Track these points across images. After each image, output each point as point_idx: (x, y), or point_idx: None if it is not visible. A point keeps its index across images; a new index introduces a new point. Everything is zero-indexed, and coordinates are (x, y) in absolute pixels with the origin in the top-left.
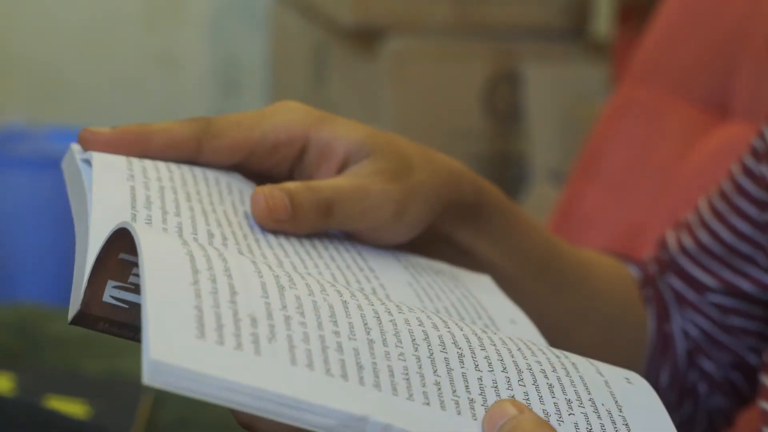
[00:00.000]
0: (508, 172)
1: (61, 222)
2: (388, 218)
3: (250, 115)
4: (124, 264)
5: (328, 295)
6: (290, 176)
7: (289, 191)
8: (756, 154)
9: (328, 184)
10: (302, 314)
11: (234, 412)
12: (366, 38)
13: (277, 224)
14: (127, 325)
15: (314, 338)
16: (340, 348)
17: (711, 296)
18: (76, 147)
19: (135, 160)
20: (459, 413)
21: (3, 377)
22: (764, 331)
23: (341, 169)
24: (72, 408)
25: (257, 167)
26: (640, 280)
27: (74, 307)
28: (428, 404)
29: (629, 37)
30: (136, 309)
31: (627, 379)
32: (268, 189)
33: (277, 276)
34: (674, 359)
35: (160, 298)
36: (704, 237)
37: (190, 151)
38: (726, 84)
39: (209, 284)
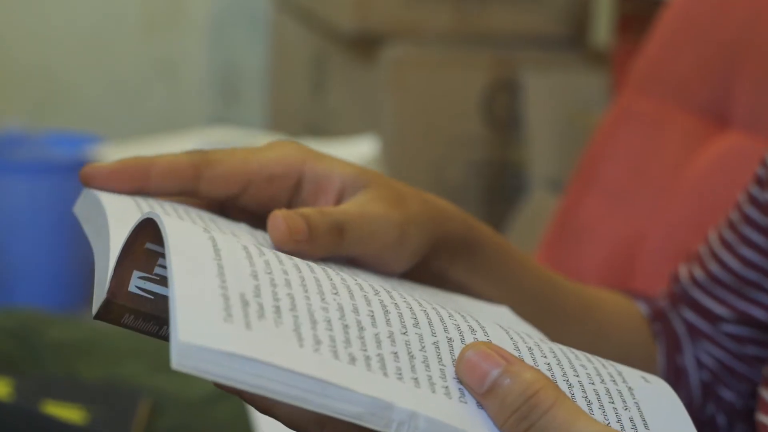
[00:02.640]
0: (507, 180)
1: (59, 227)
2: (392, 241)
3: (245, 148)
4: (150, 254)
5: (339, 288)
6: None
7: (304, 214)
8: (760, 182)
9: (337, 209)
10: (324, 301)
11: (253, 400)
12: (365, 45)
13: (296, 245)
14: (152, 317)
15: (337, 328)
16: (362, 338)
17: (725, 326)
18: (89, 191)
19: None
20: (479, 406)
21: (1, 383)
22: None
23: (338, 200)
24: (70, 414)
25: (254, 200)
26: (649, 316)
27: (99, 297)
28: (449, 397)
29: (629, 47)
30: (161, 300)
31: (644, 378)
32: (285, 212)
33: (297, 266)
34: (688, 392)
35: (188, 279)
36: (714, 267)
37: (189, 179)
38: (726, 94)
39: (232, 268)
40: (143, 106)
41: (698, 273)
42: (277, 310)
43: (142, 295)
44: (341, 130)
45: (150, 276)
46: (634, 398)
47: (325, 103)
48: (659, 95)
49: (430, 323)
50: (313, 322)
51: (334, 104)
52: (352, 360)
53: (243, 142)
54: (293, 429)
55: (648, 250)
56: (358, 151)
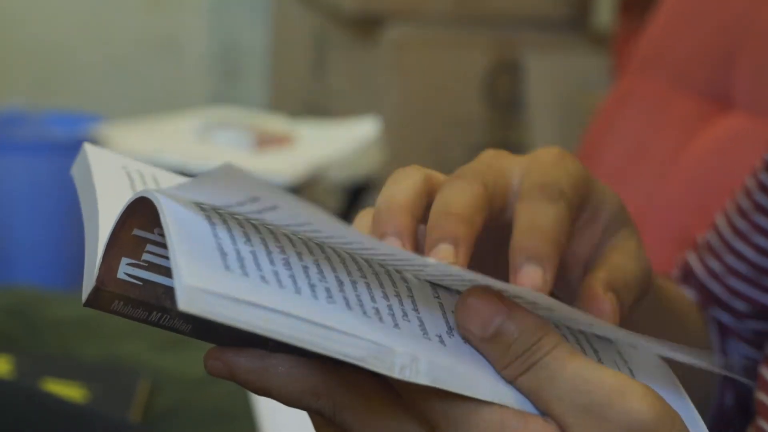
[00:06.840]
0: None
1: (59, 206)
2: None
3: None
4: (138, 240)
5: (329, 253)
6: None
7: (617, 294)
8: None
9: (630, 274)
10: (315, 258)
11: (247, 381)
12: (366, 26)
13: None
14: (140, 303)
15: (330, 278)
16: (354, 287)
17: (748, 322)
18: (89, 147)
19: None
20: (475, 353)
21: (0, 360)
22: None
23: (603, 234)
24: (69, 391)
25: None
26: (698, 303)
27: (88, 285)
28: (444, 344)
29: (631, 28)
30: (150, 287)
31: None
32: (611, 296)
33: (288, 236)
34: (735, 379)
35: (184, 236)
36: (730, 258)
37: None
38: (727, 75)
39: (224, 229)
40: (144, 85)
41: (714, 264)
42: (272, 261)
43: (130, 282)
44: (342, 111)
45: (138, 263)
46: (622, 357)
47: (326, 84)
48: (661, 77)
49: (420, 283)
50: (307, 274)
51: (335, 84)
52: (348, 305)
53: (243, 121)
54: (288, 404)
55: (648, 232)
56: (359, 131)
